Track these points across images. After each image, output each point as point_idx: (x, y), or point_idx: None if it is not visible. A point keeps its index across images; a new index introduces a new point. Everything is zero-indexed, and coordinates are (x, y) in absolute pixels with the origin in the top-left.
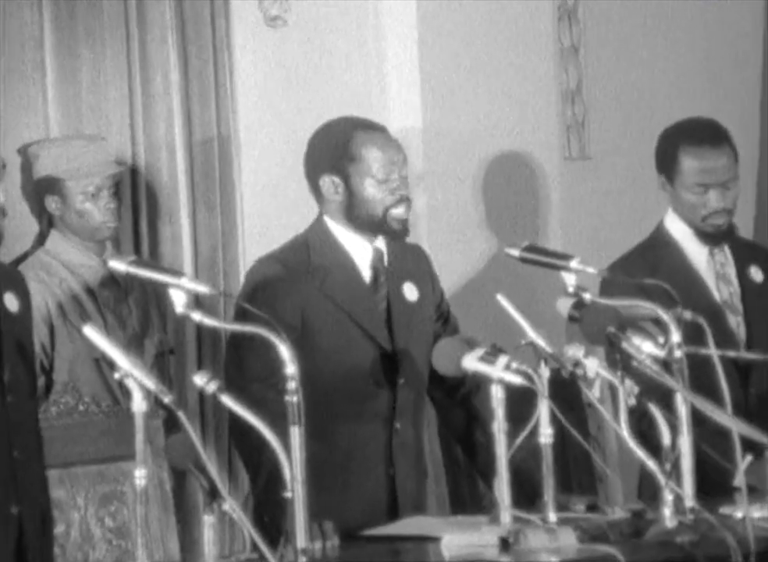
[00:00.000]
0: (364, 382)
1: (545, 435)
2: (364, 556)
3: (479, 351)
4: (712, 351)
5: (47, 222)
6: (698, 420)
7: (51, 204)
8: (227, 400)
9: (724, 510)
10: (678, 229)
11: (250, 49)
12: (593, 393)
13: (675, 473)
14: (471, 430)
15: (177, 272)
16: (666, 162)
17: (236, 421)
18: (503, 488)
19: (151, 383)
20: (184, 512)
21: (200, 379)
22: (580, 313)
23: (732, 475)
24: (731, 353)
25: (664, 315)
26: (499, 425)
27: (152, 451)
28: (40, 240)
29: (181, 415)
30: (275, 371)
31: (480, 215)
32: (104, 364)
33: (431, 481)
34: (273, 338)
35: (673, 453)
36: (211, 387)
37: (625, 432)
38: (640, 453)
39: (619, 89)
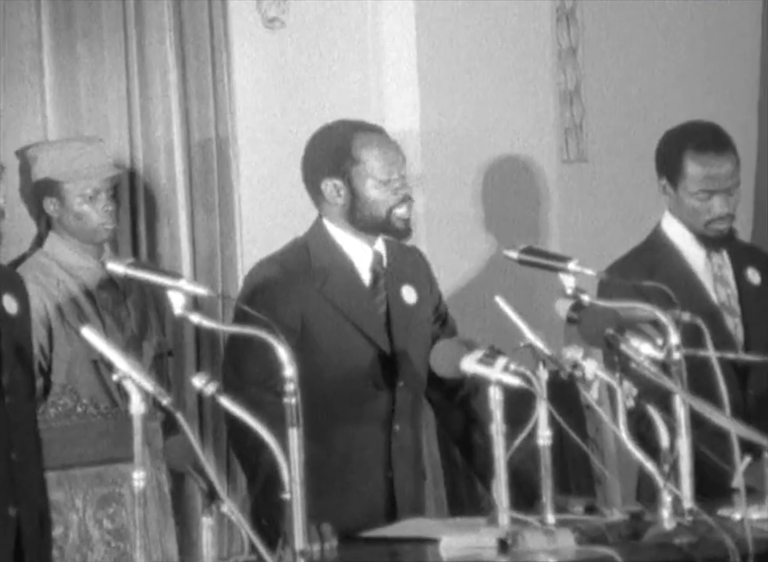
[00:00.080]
0: (363, 384)
1: (544, 436)
2: (363, 558)
3: (478, 353)
4: (711, 353)
5: (45, 224)
6: (697, 421)
7: (50, 206)
8: (225, 402)
9: (723, 511)
10: (676, 232)
11: (248, 51)
12: (591, 395)
13: (673, 475)
14: (470, 432)
15: (175, 274)
16: (670, 166)
17: (233, 423)
18: (501, 489)
19: (149, 385)
20: (183, 514)
21: (198, 381)
22: (578, 315)
23: (730, 477)
24: (730, 355)
25: (662, 317)
26: (497, 427)
27: (151, 453)
28: (39, 242)
29: (179, 417)
30: (273, 373)
31: (478, 217)
32: (102, 365)
33: (429, 483)
34: (272, 340)
35: (672, 455)
36: (210, 389)
37: (623, 434)
38: (638, 454)
39: (617, 91)
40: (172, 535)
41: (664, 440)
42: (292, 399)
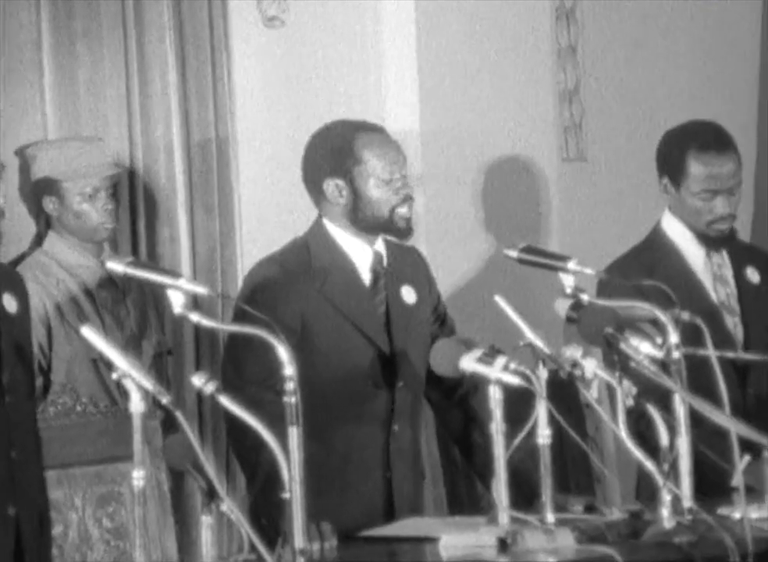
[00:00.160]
0: (362, 384)
1: (543, 435)
2: (362, 557)
3: (477, 352)
4: (711, 352)
5: (44, 223)
6: (696, 420)
7: (49, 205)
8: (225, 401)
9: (722, 510)
10: (675, 231)
11: (248, 50)
12: (591, 394)
13: (673, 474)
14: (469, 431)
15: (175, 273)
16: (672, 166)
17: (233, 422)
18: (500, 489)
19: (148, 384)
20: (182, 513)
21: (198, 380)
22: (578, 314)
23: (730, 476)
24: (729, 354)
25: (662, 316)
26: (497, 426)
27: (150, 452)
28: (38, 241)
29: (179, 416)
30: (273, 372)
31: (478, 216)
32: (101, 364)
33: (428, 483)
34: (272, 339)
35: (671, 454)
36: (209, 388)
37: (623, 433)
38: (638, 453)
39: (617, 90)
40: (172, 534)
41: (664, 439)
42: (292, 398)
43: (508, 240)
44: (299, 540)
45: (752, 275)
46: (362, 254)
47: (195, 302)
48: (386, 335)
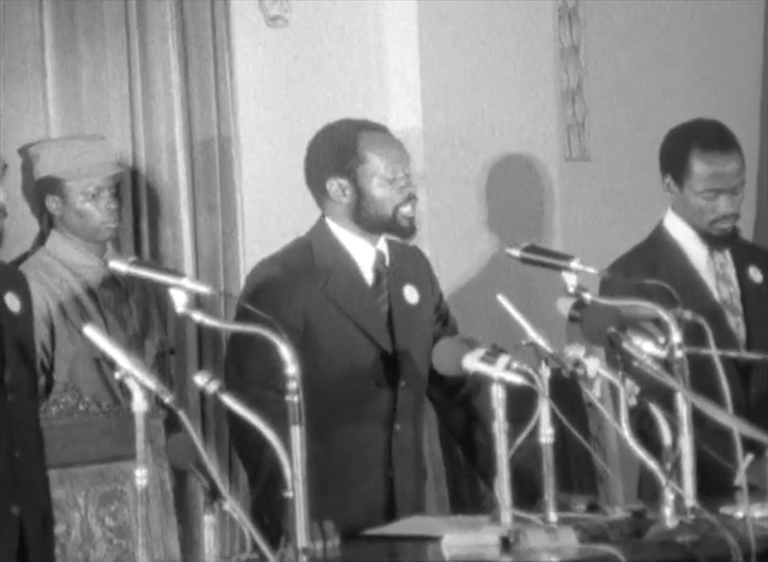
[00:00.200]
0: (364, 383)
1: (546, 435)
2: (365, 556)
3: (480, 351)
4: (713, 351)
5: (47, 223)
6: (699, 420)
7: (52, 204)
8: (228, 400)
9: (725, 509)
10: (678, 230)
11: (251, 49)
12: (594, 393)
13: (676, 473)
14: (471, 430)
15: (178, 273)
16: (675, 165)
17: (236, 421)
18: (503, 488)
19: (151, 383)
20: (185, 512)
21: (201, 379)
22: (580, 313)
23: (733, 475)
24: (732, 353)
25: (664, 315)
26: (499, 425)
27: (153, 451)
28: (41, 240)
29: (182, 415)
30: (275, 371)
31: (481, 215)
32: (104, 364)
33: (431, 483)
34: (274, 338)
35: (674, 453)
36: (212, 387)
37: (626, 432)
38: (640, 452)
39: (619, 89)
40: (174, 533)
41: (666, 438)
42: (294, 397)
43: (511, 239)
44: (302, 539)
45: (755, 274)
46: (365, 253)
47: (198, 301)
48: (389, 334)
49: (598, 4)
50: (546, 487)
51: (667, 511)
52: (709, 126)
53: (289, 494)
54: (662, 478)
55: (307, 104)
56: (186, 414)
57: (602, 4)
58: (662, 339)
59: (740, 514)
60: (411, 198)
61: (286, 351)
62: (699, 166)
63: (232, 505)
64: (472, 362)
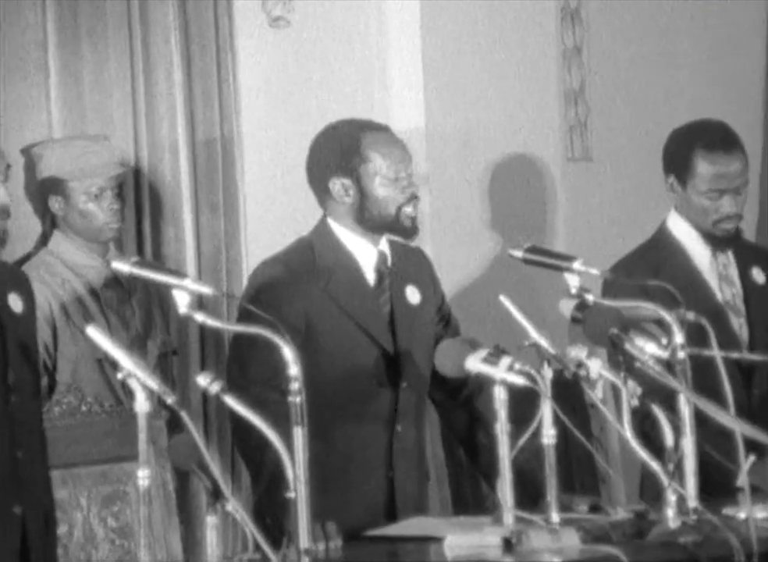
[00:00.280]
0: (366, 384)
1: (548, 435)
2: (367, 557)
3: (482, 352)
4: (716, 352)
5: (50, 223)
6: (701, 421)
7: (55, 204)
8: (230, 401)
9: (727, 510)
10: (681, 230)
11: (254, 50)
12: (596, 394)
13: (678, 474)
14: (474, 431)
15: (180, 273)
16: (678, 165)
17: (238, 422)
18: (505, 489)
19: (154, 384)
20: (187, 513)
21: (203, 380)
22: (583, 314)
23: (735, 476)
24: (734, 355)
25: (667, 316)
26: (501, 426)
27: (155, 452)
28: (44, 240)
29: (184, 416)
30: (277, 372)
31: (483, 216)
32: (107, 364)
33: (433, 484)
34: (276, 339)
35: (676, 454)
36: (215, 388)
37: (628, 433)
38: (643, 453)
39: (622, 90)
40: (177, 534)
41: (669, 439)
42: (297, 398)
43: (513, 239)
44: (304, 540)
45: (758, 275)
46: (366, 253)
47: (200, 302)
48: (390, 335)
49: (601, 4)
50: (548, 488)
51: (669, 512)
52: (712, 127)
53: (291, 495)
54: (664, 479)
55: (309, 105)
56: (189, 414)
57: (605, 4)
58: (664, 341)
59: (742, 515)
60: (414, 198)
61: (288, 352)
62: (703, 166)
63: (234, 506)
64: (474, 363)
